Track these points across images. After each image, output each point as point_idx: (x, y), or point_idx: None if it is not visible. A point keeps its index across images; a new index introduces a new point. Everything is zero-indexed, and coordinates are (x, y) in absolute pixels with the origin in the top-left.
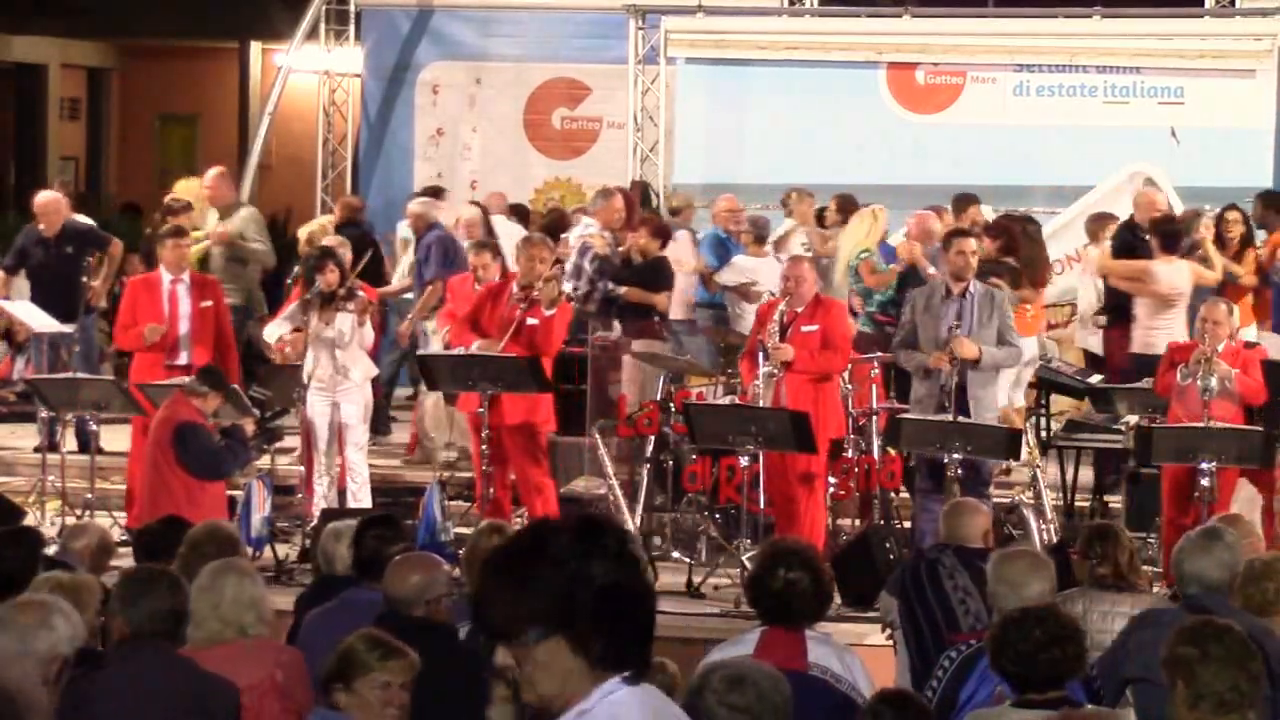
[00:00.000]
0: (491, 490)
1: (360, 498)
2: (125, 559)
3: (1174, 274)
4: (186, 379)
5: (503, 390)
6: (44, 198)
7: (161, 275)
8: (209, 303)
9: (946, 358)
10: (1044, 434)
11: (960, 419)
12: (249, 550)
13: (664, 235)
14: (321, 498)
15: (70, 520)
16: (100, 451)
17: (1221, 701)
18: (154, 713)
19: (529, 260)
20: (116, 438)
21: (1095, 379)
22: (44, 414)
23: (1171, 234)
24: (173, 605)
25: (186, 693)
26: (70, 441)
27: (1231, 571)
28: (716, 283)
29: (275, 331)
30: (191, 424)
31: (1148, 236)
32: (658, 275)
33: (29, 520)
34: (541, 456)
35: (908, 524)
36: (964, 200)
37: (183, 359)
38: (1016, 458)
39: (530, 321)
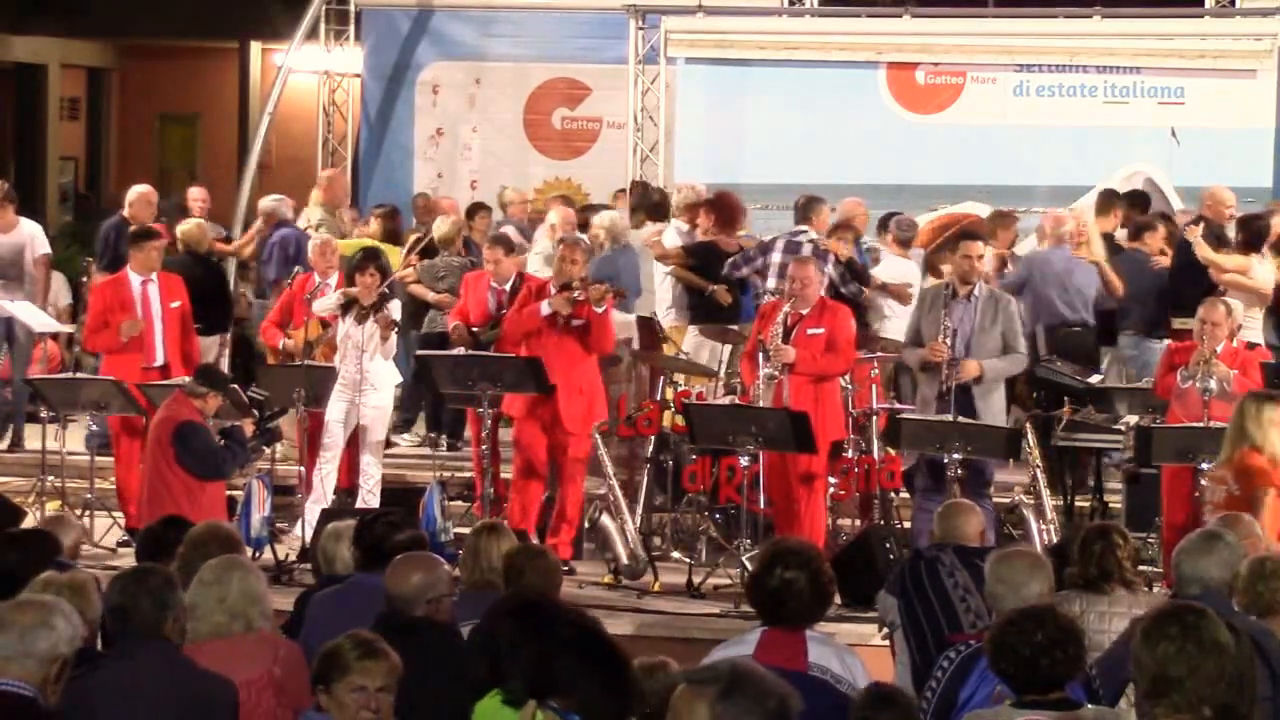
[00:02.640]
0: (491, 490)
1: (370, 500)
2: (126, 559)
3: (1266, 272)
4: (185, 379)
5: (503, 390)
6: (139, 190)
7: (129, 276)
8: (177, 303)
9: (941, 346)
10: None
11: (960, 419)
12: (249, 550)
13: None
14: (327, 495)
15: (82, 525)
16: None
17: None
18: (153, 711)
19: (563, 260)
20: None
21: (1095, 379)
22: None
23: (1258, 231)
24: (166, 602)
25: (185, 691)
26: (73, 442)
27: (1232, 571)
28: (876, 279)
29: (326, 304)
30: (191, 424)
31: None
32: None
33: (29, 521)
34: (585, 452)
35: (908, 524)
36: (1110, 198)
37: (159, 360)
38: (1017, 458)
39: (576, 323)
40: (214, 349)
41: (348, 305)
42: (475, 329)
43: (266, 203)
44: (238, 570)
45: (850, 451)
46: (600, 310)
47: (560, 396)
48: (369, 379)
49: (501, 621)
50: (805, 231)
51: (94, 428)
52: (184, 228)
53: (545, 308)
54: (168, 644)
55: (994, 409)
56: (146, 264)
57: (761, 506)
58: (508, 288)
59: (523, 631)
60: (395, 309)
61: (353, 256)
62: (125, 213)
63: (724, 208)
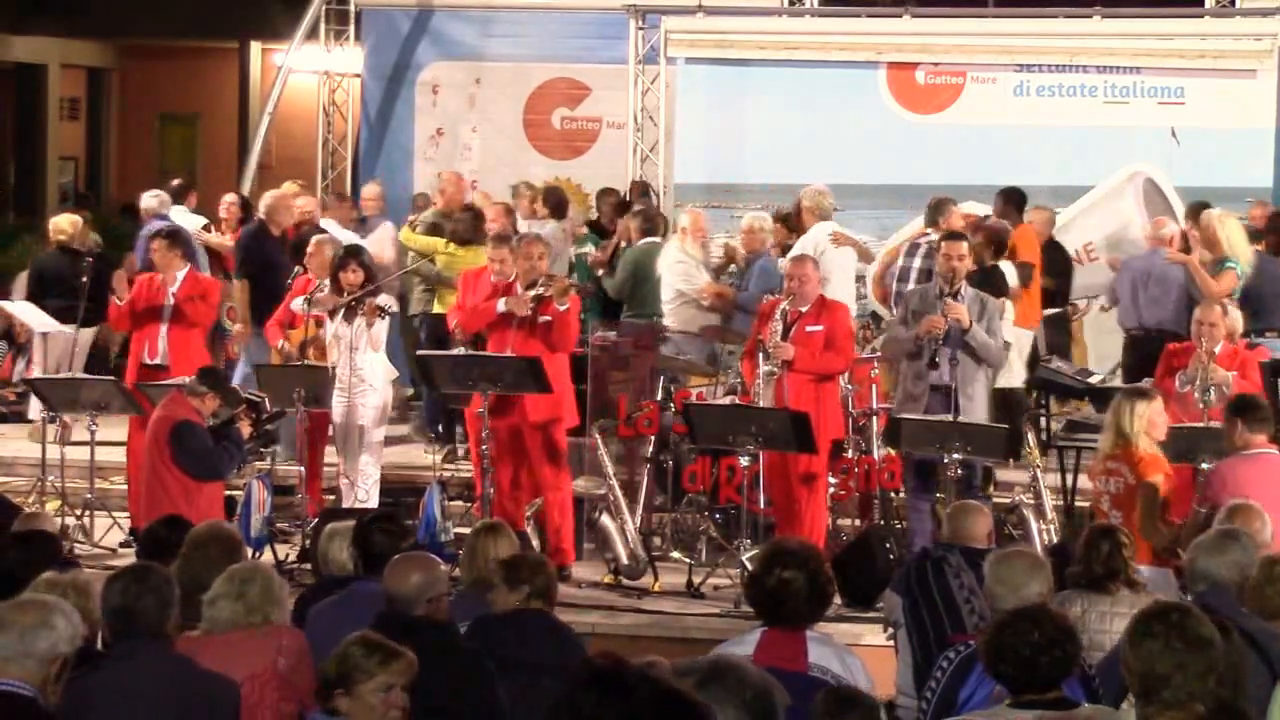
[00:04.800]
0: (492, 490)
1: (368, 499)
2: (127, 558)
3: None
4: (187, 379)
5: (503, 390)
6: (275, 195)
7: (159, 274)
8: (191, 300)
9: (939, 319)
10: (1044, 434)
11: (960, 420)
12: (249, 550)
13: None
14: (348, 503)
15: (70, 521)
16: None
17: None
18: (153, 712)
19: (526, 259)
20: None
21: (1095, 379)
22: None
23: None
24: (168, 600)
25: (186, 692)
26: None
27: (1243, 573)
28: None
29: (301, 303)
30: (188, 423)
31: None
32: None
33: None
34: (561, 454)
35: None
36: (1199, 206)
37: (159, 358)
38: (1017, 458)
39: (543, 319)
40: (88, 342)
41: (335, 307)
42: None
43: (148, 200)
44: (263, 572)
45: (850, 451)
46: (563, 308)
47: (528, 398)
48: (364, 377)
49: (583, 692)
50: (928, 235)
51: (95, 427)
52: (55, 221)
53: (501, 305)
54: (169, 643)
55: (976, 405)
56: (157, 263)
57: (761, 506)
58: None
59: (607, 698)
60: (384, 300)
61: (333, 260)
62: (261, 216)
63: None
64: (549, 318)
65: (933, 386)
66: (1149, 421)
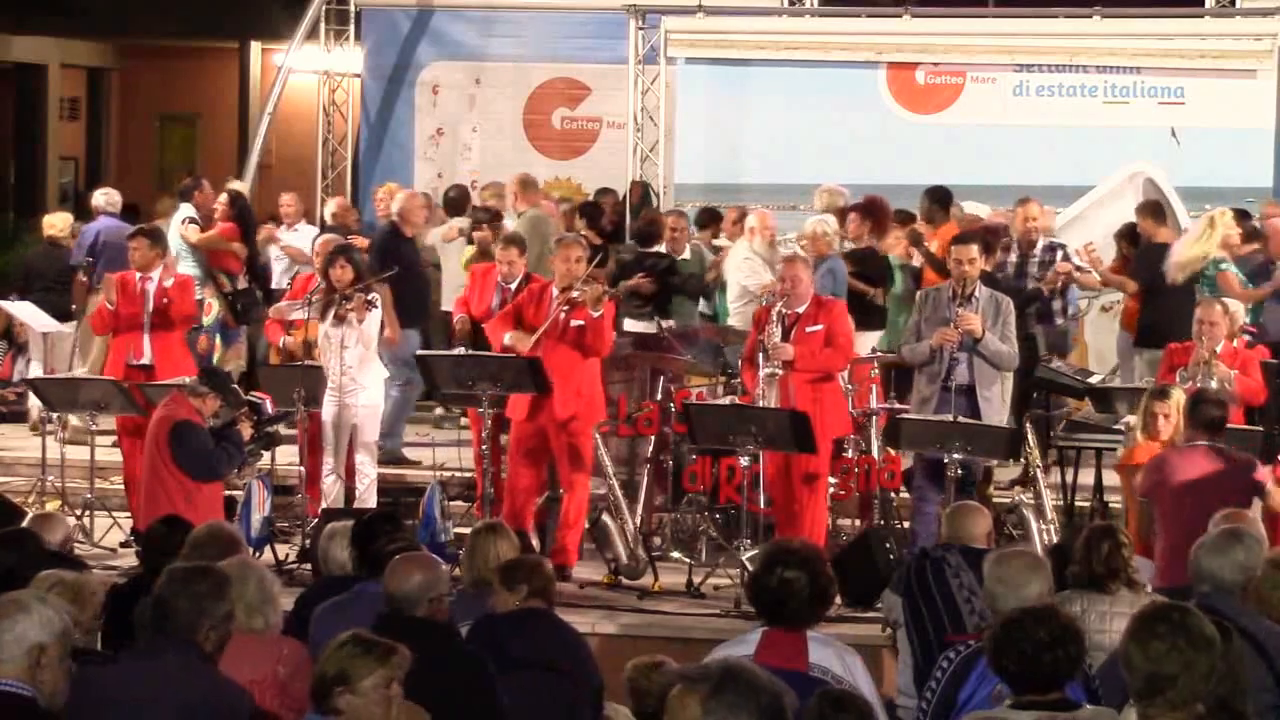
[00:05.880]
0: (491, 490)
1: (366, 499)
2: (127, 558)
3: None
4: (187, 379)
5: (503, 390)
6: (405, 195)
7: (135, 274)
8: (169, 300)
9: (952, 332)
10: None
11: (961, 419)
12: (250, 550)
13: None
14: (330, 498)
15: (70, 521)
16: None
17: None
18: (161, 712)
19: (564, 261)
20: None
21: (1095, 379)
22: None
23: None
24: (205, 608)
25: (198, 698)
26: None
27: (1246, 575)
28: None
29: (288, 310)
30: (188, 423)
31: None
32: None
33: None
34: (585, 459)
35: (908, 524)
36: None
37: (145, 358)
38: (1017, 459)
39: (575, 324)
40: (71, 337)
41: (326, 305)
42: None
43: (97, 198)
44: (255, 570)
45: (850, 451)
46: (597, 314)
47: (558, 399)
48: (356, 378)
49: None
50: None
51: (94, 427)
52: (47, 218)
53: (507, 339)
54: (196, 648)
55: (995, 406)
56: (136, 263)
57: (762, 506)
58: (513, 287)
59: None
60: (373, 296)
61: (327, 255)
62: (394, 217)
63: (877, 212)
64: (581, 322)
65: (944, 385)
66: (1164, 418)
